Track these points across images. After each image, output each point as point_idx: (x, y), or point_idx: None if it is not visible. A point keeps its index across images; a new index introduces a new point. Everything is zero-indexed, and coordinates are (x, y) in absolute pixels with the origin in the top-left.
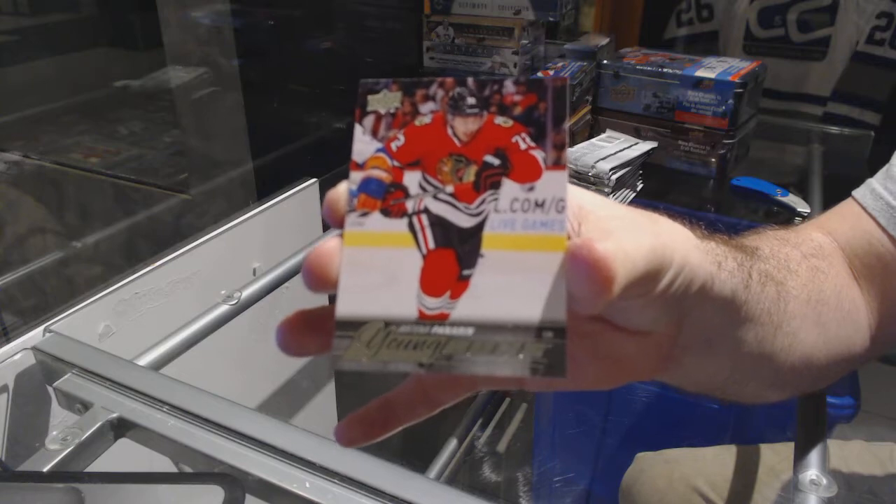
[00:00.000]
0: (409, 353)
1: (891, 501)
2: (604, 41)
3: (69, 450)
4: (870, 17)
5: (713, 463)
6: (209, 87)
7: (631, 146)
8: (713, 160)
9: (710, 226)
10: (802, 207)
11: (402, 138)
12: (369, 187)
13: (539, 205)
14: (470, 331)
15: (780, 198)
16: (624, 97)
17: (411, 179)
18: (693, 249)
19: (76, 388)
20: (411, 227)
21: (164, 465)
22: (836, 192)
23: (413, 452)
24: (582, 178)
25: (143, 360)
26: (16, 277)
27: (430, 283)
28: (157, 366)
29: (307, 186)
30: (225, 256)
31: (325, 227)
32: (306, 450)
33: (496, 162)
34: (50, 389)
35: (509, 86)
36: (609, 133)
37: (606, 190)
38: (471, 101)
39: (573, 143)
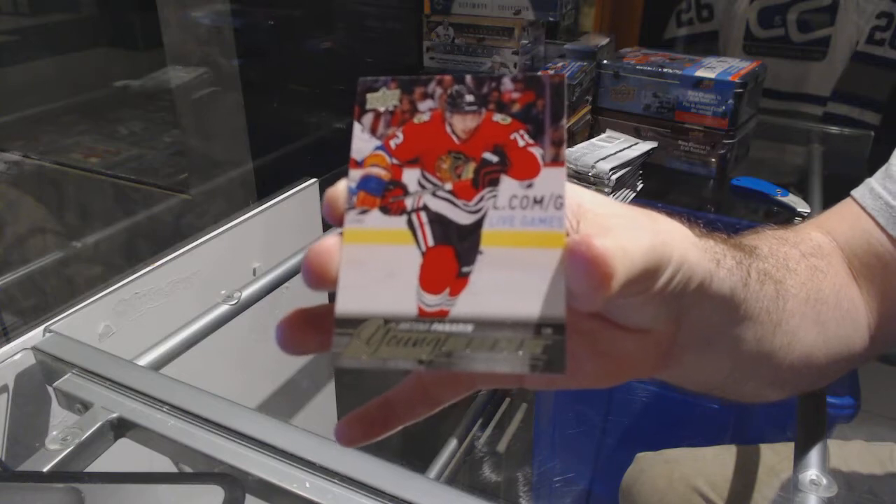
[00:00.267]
0: (409, 350)
1: (891, 501)
2: (604, 41)
3: (69, 450)
4: (870, 17)
5: (713, 463)
6: (209, 87)
7: (631, 146)
8: (713, 160)
9: (710, 225)
10: (802, 207)
11: (400, 136)
12: (368, 185)
13: (538, 201)
14: (469, 327)
15: (780, 198)
16: (624, 97)
17: (410, 177)
18: (692, 247)
19: (76, 388)
20: (410, 224)
21: (164, 465)
22: (836, 192)
23: (413, 452)
24: (582, 178)
25: (143, 360)
26: (16, 277)
27: (430, 280)
28: (157, 366)
29: (307, 186)
30: (225, 256)
31: (325, 227)
32: (306, 450)
33: (495, 159)
34: (50, 389)
35: (507, 83)
36: (609, 133)
37: (606, 190)
38: (469, 98)
39: (573, 143)
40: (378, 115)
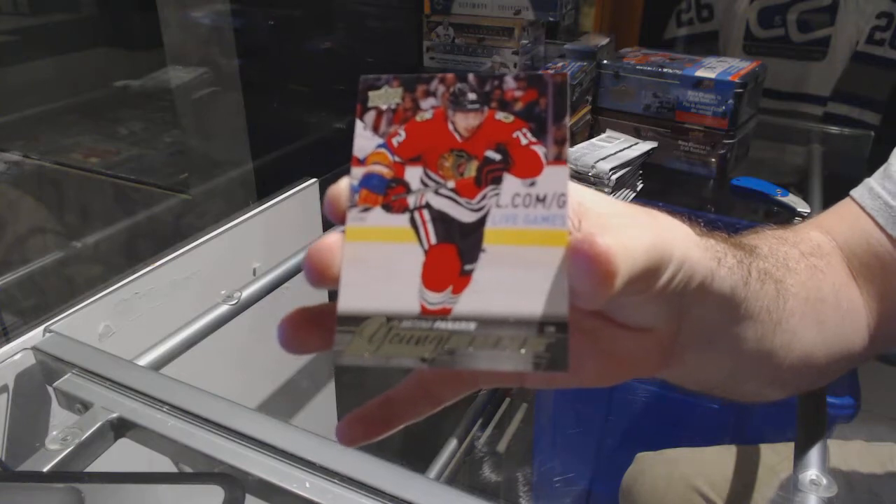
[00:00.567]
0: (411, 348)
1: (891, 501)
2: (604, 41)
3: (69, 450)
4: (870, 17)
5: (713, 463)
6: (209, 87)
7: (631, 146)
8: (713, 160)
9: (710, 225)
10: (802, 207)
11: (403, 134)
12: (371, 183)
13: (540, 200)
14: (472, 326)
15: (780, 198)
16: (624, 97)
17: (412, 175)
18: (693, 246)
19: (76, 388)
20: (413, 222)
21: (164, 465)
22: (836, 192)
23: (413, 452)
24: (582, 178)
25: (143, 360)
26: (16, 277)
27: (432, 278)
28: (157, 366)
29: (307, 186)
30: (225, 256)
31: (326, 227)
32: (306, 450)
33: (497, 157)
34: (50, 389)
35: (510, 82)
36: (609, 133)
37: (606, 190)
38: (472, 96)
39: (573, 143)
40: (380, 112)
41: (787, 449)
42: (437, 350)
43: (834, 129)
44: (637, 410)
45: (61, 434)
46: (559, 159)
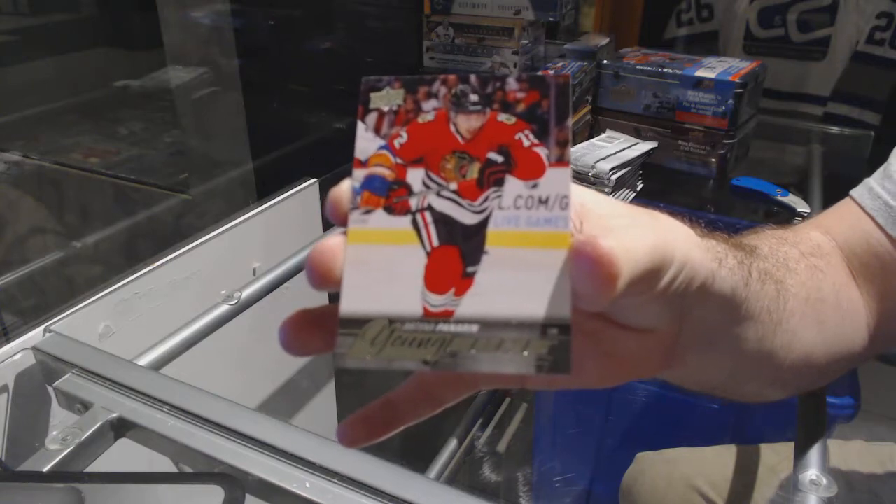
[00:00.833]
0: (414, 350)
1: (891, 501)
2: (604, 41)
3: (69, 450)
4: (870, 17)
5: (713, 463)
6: (209, 87)
7: (631, 146)
8: (713, 160)
9: (710, 225)
10: (802, 207)
11: (405, 135)
12: (373, 185)
13: (543, 201)
14: (475, 328)
15: (780, 198)
16: (624, 97)
17: (414, 177)
18: (694, 247)
19: (76, 388)
20: (415, 224)
21: (164, 465)
22: (836, 192)
23: (413, 452)
24: (582, 178)
25: (143, 360)
26: (16, 277)
27: (435, 280)
28: (157, 366)
29: (307, 186)
30: (225, 256)
31: (326, 227)
32: (306, 450)
33: (499, 159)
34: (50, 389)
35: (512, 83)
36: (609, 133)
37: (606, 190)
38: (473, 98)
39: (573, 143)
40: (382, 114)
41: (787, 449)
42: (440, 353)
43: (834, 129)
44: (637, 410)
45: (61, 434)
46: (561, 161)
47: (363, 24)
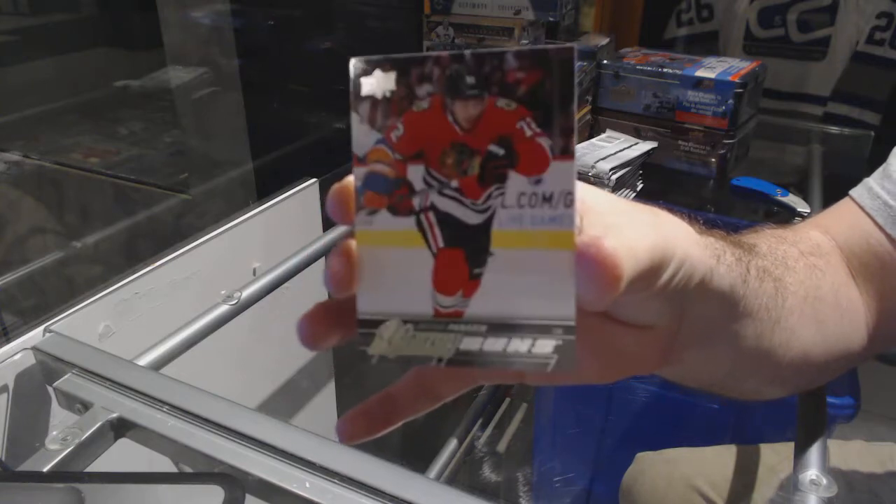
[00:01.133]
0: (428, 348)
1: (891, 501)
2: (604, 41)
3: (69, 450)
4: (870, 17)
5: (713, 463)
6: (209, 87)
7: (631, 146)
8: (713, 160)
9: (710, 224)
10: (802, 207)
11: (401, 128)
12: (374, 183)
13: (547, 199)
14: (483, 328)
15: (780, 198)
16: (624, 97)
17: (415, 174)
18: (693, 244)
19: (76, 388)
20: (420, 225)
21: (164, 465)
22: (836, 192)
23: (413, 452)
24: (582, 178)
25: (143, 360)
26: (16, 277)
27: (443, 282)
28: (157, 366)
29: (307, 186)
30: (225, 256)
31: (326, 227)
32: (306, 450)
33: (501, 152)
34: (50, 389)
35: (511, 59)
36: (609, 133)
37: (606, 190)
38: (470, 80)
39: None
40: (375, 103)
41: (787, 449)
42: (452, 351)
43: (834, 129)
44: (637, 410)
45: (61, 434)
46: (566, 153)
47: (363, 24)
